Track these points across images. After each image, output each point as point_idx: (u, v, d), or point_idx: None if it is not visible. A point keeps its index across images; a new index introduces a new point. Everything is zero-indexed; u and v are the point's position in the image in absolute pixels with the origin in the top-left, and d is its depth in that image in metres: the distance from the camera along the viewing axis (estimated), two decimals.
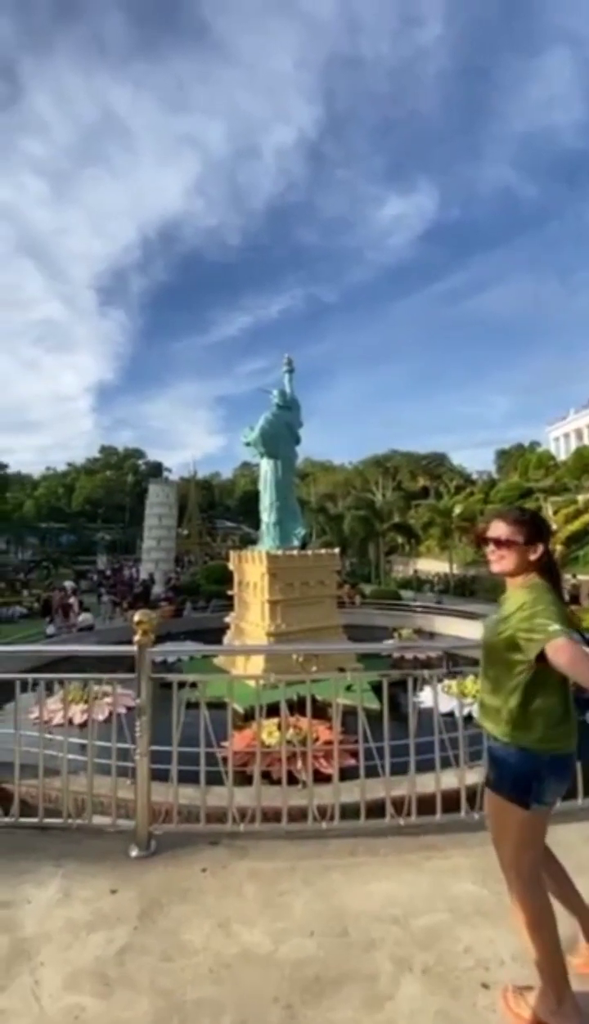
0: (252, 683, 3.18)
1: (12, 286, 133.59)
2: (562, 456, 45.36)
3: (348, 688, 4.76)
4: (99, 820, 2.78)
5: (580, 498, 32.26)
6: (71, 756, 3.18)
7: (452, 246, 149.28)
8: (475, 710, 1.82)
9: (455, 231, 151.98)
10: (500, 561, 1.71)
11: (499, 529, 1.72)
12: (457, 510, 32.56)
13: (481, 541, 1.78)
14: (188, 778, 2.82)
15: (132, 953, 1.96)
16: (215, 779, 2.86)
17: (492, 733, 1.69)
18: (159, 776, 2.79)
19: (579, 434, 47.98)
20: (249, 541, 20.52)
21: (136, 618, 2.65)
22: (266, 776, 3.85)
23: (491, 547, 1.73)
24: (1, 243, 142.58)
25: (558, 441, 51.01)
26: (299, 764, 3.25)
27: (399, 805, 2.80)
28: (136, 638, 2.63)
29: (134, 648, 2.63)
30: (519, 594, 1.65)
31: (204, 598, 20.67)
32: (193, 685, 2.93)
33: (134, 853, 2.55)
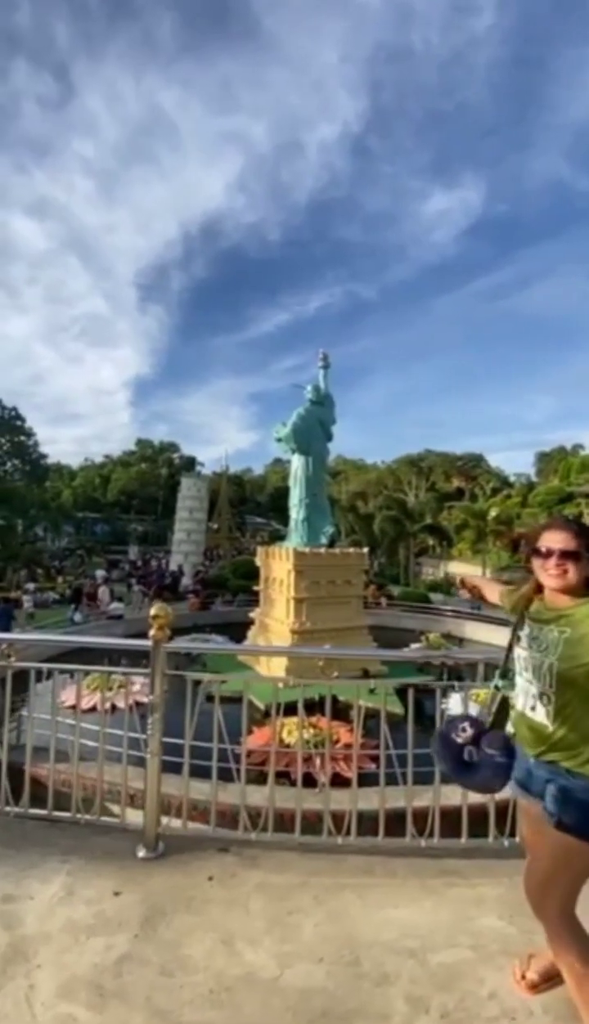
0: (282, 681, 3.06)
1: (58, 282, 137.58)
2: None
3: (371, 691, 4.61)
4: (107, 819, 2.71)
5: None
6: (85, 742, 3.13)
7: (497, 241, 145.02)
8: (526, 741, 1.62)
9: (501, 225, 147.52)
10: (563, 575, 1.53)
11: (564, 539, 1.54)
12: (492, 513, 31.70)
13: (532, 551, 1.61)
14: (203, 774, 2.74)
15: (131, 964, 1.86)
16: (230, 777, 2.77)
17: (565, 767, 1.50)
18: (174, 769, 2.74)
19: None
20: (278, 538, 20.43)
21: (152, 612, 2.55)
22: (285, 776, 3.76)
23: (552, 559, 1.54)
24: (50, 240, 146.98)
25: None
26: (318, 765, 3.13)
27: (420, 817, 2.63)
28: (152, 632, 2.54)
29: (149, 643, 2.54)
30: None
31: (231, 592, 20.76)
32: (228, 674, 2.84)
33: (141, 854, 2.47)
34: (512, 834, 2.56)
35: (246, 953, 1.91)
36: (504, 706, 1.73)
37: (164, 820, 2.62)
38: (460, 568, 32.22)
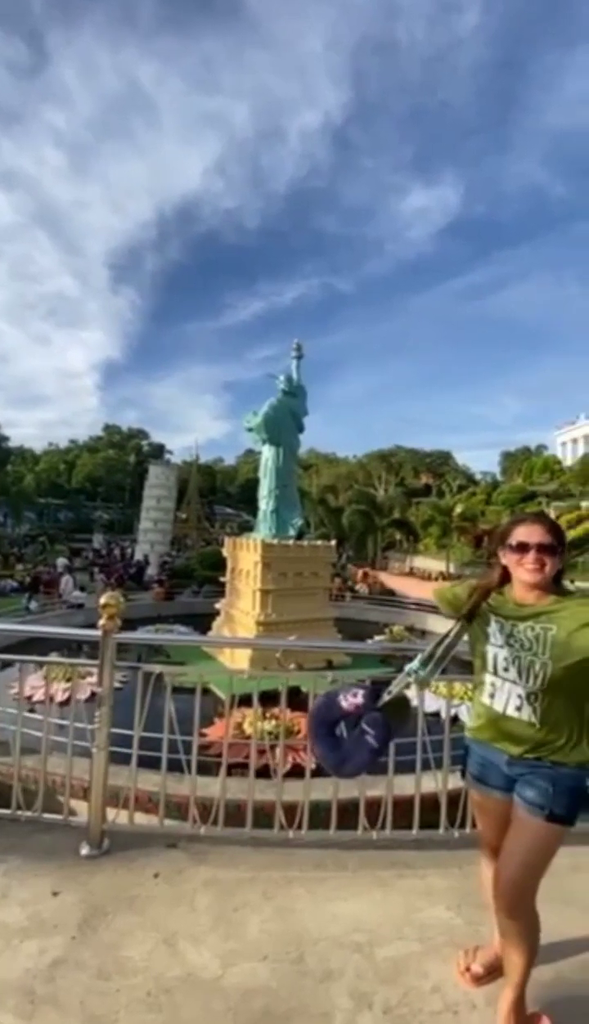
0: (236, 673, 2.99)
1: (25, 257, 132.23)
2: (569, 461, 45.00)
3: (331, 683, 4.60)
4: (49, 816, 2.58)
5: (584, 504, 32.01)
6: (37, 734, 2.99)
7: (473, 242, 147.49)
8: (506, 741, 1.57)
9: (478, 227, 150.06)
10: (541, 570, 1.52)
11: (541, 533, 1.53)
12: (458, 509, 32.34)
13: (506, 546, 1.59)
14: (157, 766, 2.66)
15: (65, 968, 1.77)
16: (188, 770, 2.69)
17: (550, 760, 1.50)
18: (125, 761, 2.65)
19: (588, 440, 47.53)
20: (248, 529, 20.28)
21: (102, 601, 2.44)
22: (245, 767, 3.70)
23: (530, 554, 1.52)
24: (17, 213, 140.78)
25: (565, 446, 50.60)
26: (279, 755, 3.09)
27: (374, 807, 2.61)
28: (101, 622, 2.42)
29: (98, 633, 2.42)
30: (579, 606, 1.49)
31: (197, 583, 20.51)
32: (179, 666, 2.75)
33: (84, 852, 2.36)
34: (463, 825, 2.58)
35: (188, 953, 1.84)
36: (402, 695, 1.72)
37: (112, 815, 2.53)
38: (425, 563, 32.81)
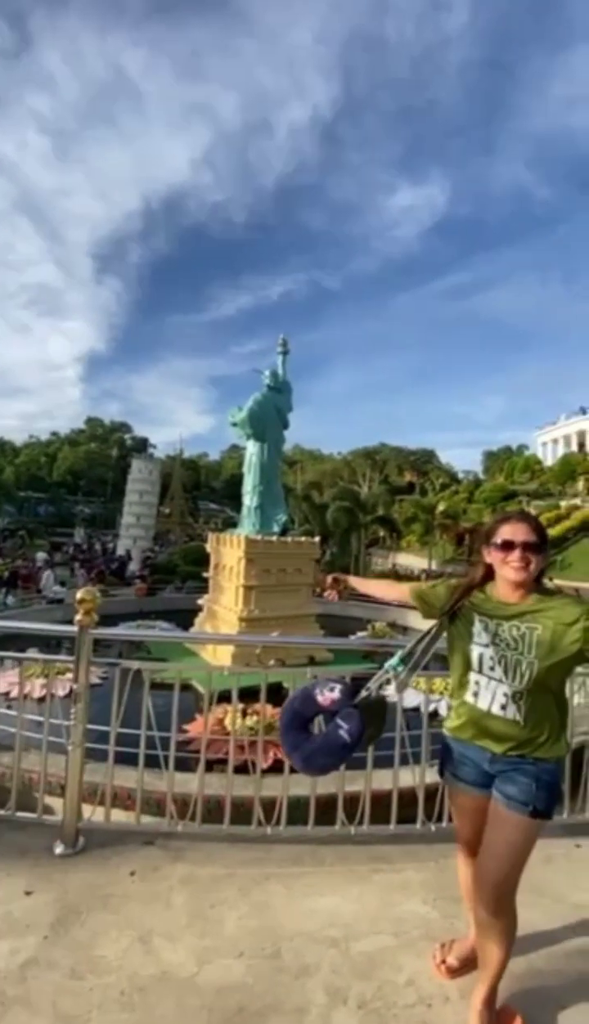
0: (215, 669, 2.97)
1: (5, 245, 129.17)
2: (549, 461, 45.73)
3: (314, 679, 4.61)
4: (23, 814, 2.54)
5: (563, 504, 32.60)
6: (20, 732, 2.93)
7: (459, 242, 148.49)
8: (490, 739, 1.57)
9: (463, 227, 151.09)
10: (526, 568, 1.52)
11: (526, 532, 1.54)
12: (441, 507, 32.68)
13: (491, 544, 1.59)
14: (136, 762, 2.63)
15: (37, 968, 1.74)
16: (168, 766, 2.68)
17: (532, 757, 1.52)
18: (105, 758, 2.61)
19: (567, 440, 48.35)
20: (232, 524, 20.15)
21: (78, 596, 2.40)
22: (225, 763, 3.69)
23: (516, 552, 1.53)
24: None
25: (546, 446, 51.37)
26: (260, 751, 3.08)
27: (352, 802, 2.62)
28: (77, 618, 2.38)
29: (74, 628, 2.38)
30: (562, 606, 1.50)
31: (180, 578, 20.36)
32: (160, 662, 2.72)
33: (59, 850, 2.33)
34: (440, 819, 2.60)
35: (164, 951, 1.83)
36: (381, 698, 1.70)
37: (88, 812, 2.49)
38: (407, 559, 33.11)
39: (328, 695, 1.65)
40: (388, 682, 1.73)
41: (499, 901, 1.50)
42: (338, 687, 1.67)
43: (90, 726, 2.61)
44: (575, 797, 2.78)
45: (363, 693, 1.67)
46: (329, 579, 1.93)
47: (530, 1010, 1.61)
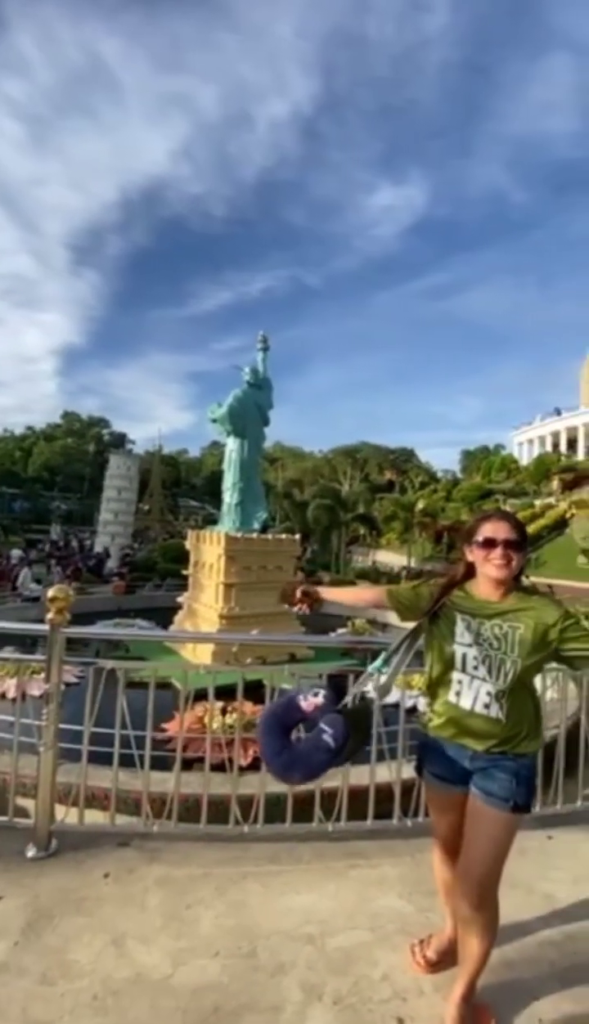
0: (192, 667, 2.94)
1: None
2: (525, 461, 46.59)
3: (292, 676, 4.61)
4: None
5: (538, 503, 33.26)
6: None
7: (437, 243, 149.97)
8: (472, 738, 1.57)
9: (442, 228, 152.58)
10: (508, 565, 1.54)
11: (507, 530, 1.56)
12: (420, 505, 33.01)
13: (473, 542, 1.60)
14: (122, 763, 2.60)
15: (8, 974, 1.70)
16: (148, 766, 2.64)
17: (512, 753, 1.54)
18: (92, 759, 2.59)
19: (542, 441, 49.31)
20: (212, 522, 20.00)
21: (50, 594, 2.34)
22: (204, 761, 3.66)
23: (498, 549, 1.54)
24: None
25: (522, 446, 52.28)
26: (239, 750, 3.06)
27: (329, 799, 2.63)
28: (49, 616, 2.33)
29: (46, 627, 2.32)
30: (542, 606, 1.54)
31: (160, 576, 20.16)
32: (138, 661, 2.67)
33: (31, 853, 2.28)
34: (416, 813, 2.63)
35: (138, 953, 1.81)
36: (367, 706, 1.67)
37: (61, 814, 2.45)
38: (387, 557, 33.39)
39: (312, 700, 1.62)
40: (372, 685, 1.72)
41: (482, 895, 1.51)
42: (322, 692, 1.64)
43: (66, 726, 2.57)
44: (547, 790, 2.84)
45: (347, 698, 1.64)
46: (298, 592, 1.85)
47: (503, 1002, 1.64)
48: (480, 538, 1.58)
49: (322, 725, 1.56)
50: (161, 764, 2.84)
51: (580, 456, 42.51)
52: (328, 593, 1.91)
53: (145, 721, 2.61)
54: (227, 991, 1.66)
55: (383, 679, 1.73)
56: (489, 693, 1.53)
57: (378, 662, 1.71)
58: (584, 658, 1.53)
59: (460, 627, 1.57)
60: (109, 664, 2.55)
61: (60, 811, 2.51)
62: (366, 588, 1.99)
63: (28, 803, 2.60)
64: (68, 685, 2.63)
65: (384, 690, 1.73)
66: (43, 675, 2.35)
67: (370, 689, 1.73)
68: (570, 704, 3.32)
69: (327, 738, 1.53)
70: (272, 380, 14.58)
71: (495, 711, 1.53)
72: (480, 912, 1.52)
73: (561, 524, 29.07)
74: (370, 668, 1.72)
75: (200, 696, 3.18)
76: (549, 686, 3.38)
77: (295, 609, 1.85)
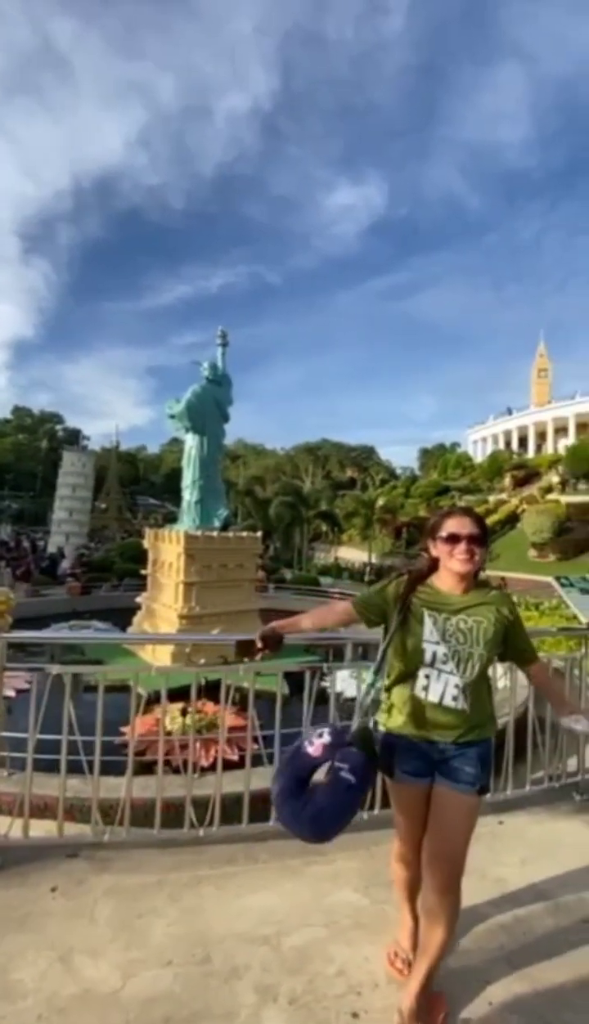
0: (144, 670, 2.85)
1: None
2: (479, 458, 48.12)
3: (257, 673, 4.57)
4: None
5: (491, 498, 34.44)
6: None
7: (396, 244, 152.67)
8: (441, 730, 1.58)
9: (400, 229, 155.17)
10: (471, 560, 1.58)
11: (470, 525, 1.60)
12: (380, 502, 33.58)
13: (437, 538, 1.63)
14: (72, 769, 2.51)
15: None
16: (106, 771, 2.59)
17: (481, 738, 1.61)
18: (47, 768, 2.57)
19: (495, 439, 51.07)
20: (173, 520, 19.61)
21: None
22: (166, 764, 3.57)
23: (462, 544, 1.57)
24: None
25: (476, 444, 53.97)
26: (199, 751, 3.00)
27: None
28: None
29: None
30: (500, 600, 1.62)
31: (117, 576, 19.64)
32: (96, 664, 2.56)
33: None
34: (372, 807, 2.65)
35: (86, 968, 1.73)
36: (369, 732, 1.60)
37: (5, 827, 2.33)
38: (348, 553, 33.79)
39: (318, 742, 1.52)
40: (370, 702, 1.67)
41: (452, 880, 1.55)
42: (326, 730, 1.55)
43: (12, 734, 2.45)
44: (497, 777, 2.92)
45: (352, 725, 1.58)
46: (258, 642, 1.78)
47: (455, 988, 1.67)
48: (444, 533, 1.60)
49: (337, 763, 1.48)
50: (118, 770, 2.74)
51: (530, 454, 44.29)
52: (289, 627, 1.83)
53: (102, 726, 2.52)
54: (179, 1000, 1.62)
55: (372, 694, 1.67)
56: (457, 686, 1.55)
57: (369, 677, 1.70)
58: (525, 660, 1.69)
59: (428, 625, 1.57)
60: (55, 669, 2.44)
61: (4, 823, 2.40)
62: (327, 609, 1.89)
63: None
64: (19, 692, 2.50)
65: (377, 704, 1.71)
66: None
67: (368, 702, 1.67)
68: (519, 693, 3.44)
69: (345, 775, 1.44)
70: (232, 377, 14.45)
71: (461, 703, 1.56)
72: (447, 897, 1.54)
73: (513, 519, 30.21)
74: (364, 685, 1.70)
75: (155, 700, 3.10)
76: (501, 675, 3.49)
77: (258, 658, 1.80)
